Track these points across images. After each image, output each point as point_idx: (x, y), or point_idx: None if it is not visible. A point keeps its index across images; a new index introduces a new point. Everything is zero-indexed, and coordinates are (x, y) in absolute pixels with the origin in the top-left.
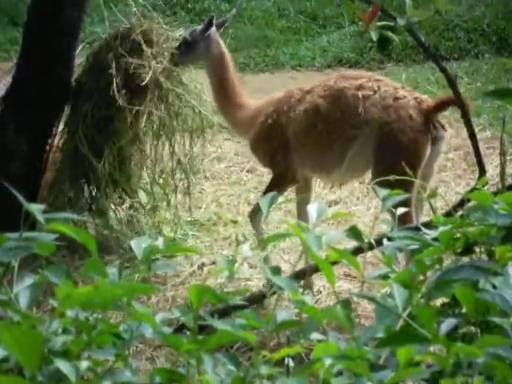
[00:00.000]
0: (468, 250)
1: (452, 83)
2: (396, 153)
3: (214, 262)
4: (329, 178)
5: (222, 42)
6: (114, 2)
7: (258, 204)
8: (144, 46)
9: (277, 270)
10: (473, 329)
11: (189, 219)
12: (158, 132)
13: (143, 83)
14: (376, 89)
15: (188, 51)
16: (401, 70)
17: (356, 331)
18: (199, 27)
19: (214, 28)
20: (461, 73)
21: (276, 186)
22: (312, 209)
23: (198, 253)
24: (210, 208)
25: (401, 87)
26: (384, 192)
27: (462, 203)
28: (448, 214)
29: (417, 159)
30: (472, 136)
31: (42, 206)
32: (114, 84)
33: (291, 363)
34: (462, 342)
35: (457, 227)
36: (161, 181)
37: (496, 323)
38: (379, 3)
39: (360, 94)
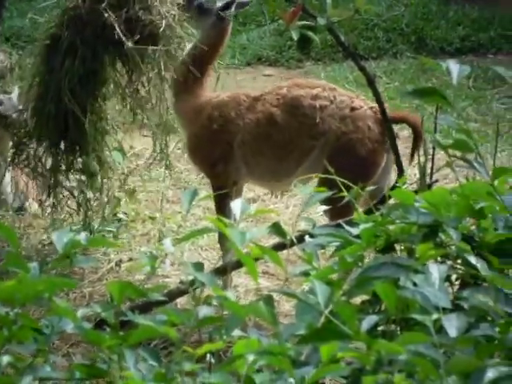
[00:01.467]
0: (389, 247)
1: (371, 82)
2: (352, 163)
3: (131, 259)
4: (276, 187)
5: (229, 29)
6: None
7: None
8: None
9: (199, 266)
10: (393, 326)
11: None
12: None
13: (160, 29)
14: (332, 98)
15: (196, 16)
16: (320, 68)
17: (276, 328)
18: (218, 2)
19: (231, 15)
20: (379, 72)
21: (224, 196)
22: (235, 205)
23: (120, 247)
24: (128, 204)
25: (355, 96)
26: (307, 190)
27: (383, 201)
28: (369, 212)
29: (374, 169)
30: (391, 136)
31: None
32: (119, 31)
33: (212, 360)
34: (383, 339)
35: (378, 225)
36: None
37: (416, 320)
38: (301, 3)
39: (317, 103)
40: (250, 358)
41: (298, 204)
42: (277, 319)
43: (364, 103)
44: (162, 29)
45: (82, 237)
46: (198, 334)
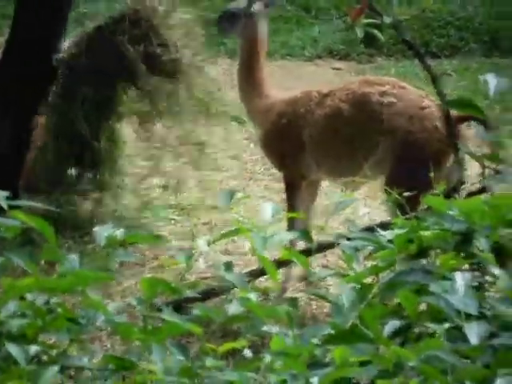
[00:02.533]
0: (421, 253)
1: (434, 81)
2: (417, 163)
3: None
4: (345, 183)
5: (264, 24)
6: None
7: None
8: (164, 31)
9: (229, 266)
10: (416, 331)
11: (173, 203)
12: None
13: (181, 63)
14: (401, 96)
15: (229, 23)
16: (391, 64)
17: (292, 329)
18: (244, 2)
19: (260, 8)
20: (450, 70)
21: (293, 188)
22: (266, 208)
23: (158, 241)
24: (192, 193)
25: (425, 95)
26: (336, 196)
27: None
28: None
29: (437, 169)
30: (451, 135)
31: (5, 193)
32: (140, 65)
33: (249, 353)
34: (405, 343)
35: (412, 231)
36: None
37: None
38: (367, 0)
39: (385, 100)
40: (267, 358)
41: (361, 198)
42: (294, 320)
43: (433, 103)
44: (180, 65)
45: (119, 232)
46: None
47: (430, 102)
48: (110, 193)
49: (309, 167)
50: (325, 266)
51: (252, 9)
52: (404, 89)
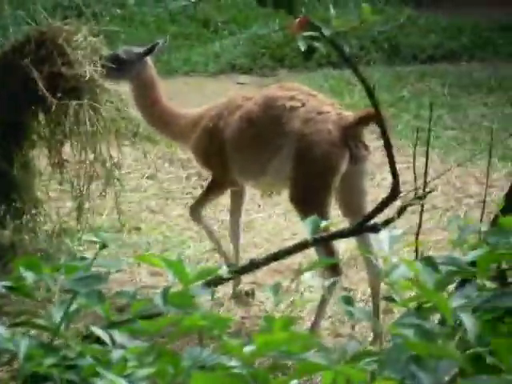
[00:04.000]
0: (501, 276)
1: (370, 93)
2: (310, 165)
3: (119, 270)
4: (255, 186)
5: (151, 65)
6: None
7: (199, 199)
8: (69, 49)
9: (348, 300)
10: None
11: (93, 226)
12: (85, 134)
13: (85, 79)
14: (305, 102)
15: (118, 70)
16: (294, 76)
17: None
18: (134, 48)
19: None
20: (354, 80)
21: (213, 188)
22: (384, 237)
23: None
24: (111, 215)
25: (330, 103)
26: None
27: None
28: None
29: (330, 173)
30: (387, 147)
31: None
32: (42, 86)
33: None
34: None
35: (492, 253)
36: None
37: None
38: (305, 14)
39: (288, 104)
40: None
41: (281, 214)
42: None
43: (333, 109)
44: (85, 81)
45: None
46: None
47: (330, 108)
48: (27, 220)
49: (233, 171)
50: (254, 283)
51: (137, 53)
52: (312, 96)
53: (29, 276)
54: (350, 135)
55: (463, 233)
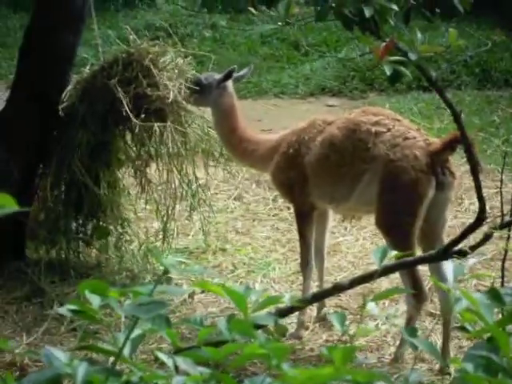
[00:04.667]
0: None
1: (457, 118)
2: (397, 191)
3: (203, 291)
4: (338, 210)
5: (234, 93)
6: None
7: (304, 256)
8: (155, 71)
9: (413, 332)
10: None
11: (178, 247)
12: (170, 154)
13: (168, 102)
14: (391, 127)
15: (199, 94)
16: (383, 99)
17: None
18: (215, 74)
19: (230, 80)
20: (443, 104)
21: (302, 222)
22: (448, 269)
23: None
24: (198, 236)
25: (416, 129)
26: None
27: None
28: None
29: (418, 199)
30: (474, 171)
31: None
32: (126, 107)
33: None
34: None
35: None
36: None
37: None
38: (394, 37)
39: (374, 129)
40: None
41: (368, 237)
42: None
43: (420, 135)
44: (169, 103)
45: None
46: None
47: (416, 134)
48: (112, 240)
49: (311, 194)
50: (338, 306)
51: (217, 78)
52: (397, 121)
53: (94, 299)
54: (437, 161)
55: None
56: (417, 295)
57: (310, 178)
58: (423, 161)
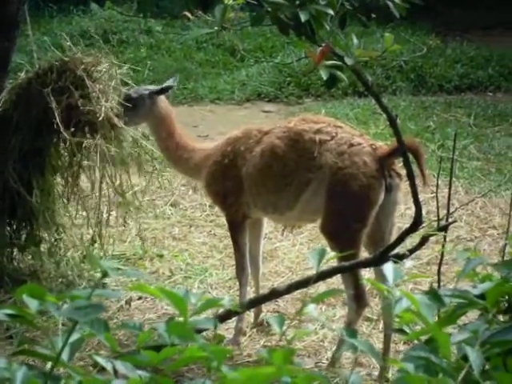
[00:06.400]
0: (511, 308)
1: (393, 123)
2: (347, 199)
3: (140, 298)
4: (281, 220)
5: (167, 101)
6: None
7: (239, 263)
8: (88, 82)
9: (353, 333)
10: None
11: (115, 253)
12: (101, 166)
13: (99, 118)
14: (334, 134)
15: (132, 110)
16: (319, 105)
17: None
18: (145, 87)
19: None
20: (379, 110)
21: (236, 227)
22: (388, 270)
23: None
24: (134, 242)
25: (359, 134)
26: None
27: (392, 246)
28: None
29: (369, 205)
30: (410, 174)
31: None
32: (57, 118)
33: None
34: None
35: (502, 285)
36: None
37: None
38: (329, 42)
39: (317, 137)
40: None
41: (305, 242)
42: None
43: (364, 141)
44: (100, 119)
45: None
46: None
47: (361, 140)
48: (46, 247)
49: (248, 205)
50: (276, 311)
51: (148, 91)
52: (339, 128)
53: (32, 304)
54: (385, 165)
55: (469, 265)
56: (358, 300)
57: (248, 189)
58: (373, 166)
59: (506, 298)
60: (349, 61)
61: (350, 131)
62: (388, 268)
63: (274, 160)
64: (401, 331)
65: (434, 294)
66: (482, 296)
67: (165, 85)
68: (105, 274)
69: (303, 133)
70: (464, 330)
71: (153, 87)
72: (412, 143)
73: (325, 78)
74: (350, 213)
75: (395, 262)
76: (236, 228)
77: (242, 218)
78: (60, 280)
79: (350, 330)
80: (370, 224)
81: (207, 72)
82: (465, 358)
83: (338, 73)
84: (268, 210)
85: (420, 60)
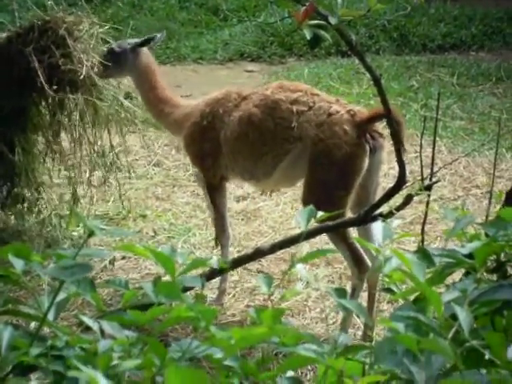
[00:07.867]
0: (499, 268)
1: (377, 82)
2: (332, 169)
3: (124, 257)
4: (258, 186)
5: (150, 55)
6: None
7: (219, 224)
8: (70, 41)
9: (342, 293)
10: None
11: (98, 213)
12: (82, 125)
13: (81, 77)
14: (311, 104)
15: (115, 64)
16: (302, 64)
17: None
18: (128, 41)
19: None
20: (362, 69)
21: (214, 189)
22: (377, 229)
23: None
24: (117, 202)
25: (335, 101)
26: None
27: (376, 205)
28: (392, 212)
29: (354, 174)
30: (394, 134)
31: None
32: (41, 77)
33: None
34: None
35: (490, 244)
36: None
37: None
38: (313, 2)
39: (295, 108)
40: None
41: (288, 202)
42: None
43: (342, 108)
44: (81, 77)
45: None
46: None
47: (339, 107)
48: (29, 206)
49: (226, 168)
50: (259, 271)
51: (131, 44)
52: (316, 96)
53: (17, 264)
54: (365, 130)
55: (458, 224)
56: (359, 264)
57: (226, 154)
58: (354, 134)
59: (494, 257)
60: (333, 20)
61: (326, 99)
62: (377, 227)
63: (251, 128)
64: (389, 290)
65: (423, 253)
66: (469, 255)
67: (147, 36)
68: (91, 233)
69: (280, 102)
70: (453, 290)
71: (135, 40)
72: (393, 111)
73: (308, 37)
74: (334, 182)
75: (383, 221)
76: (214, 190)
77: (219, 180)
78: (43, 240)
79: (339, 289)
80: (355, 189)
81: (190, 31)
82: (453, 317)
83: (322, 32)
84: (245, 176)
85: (403, 19)
